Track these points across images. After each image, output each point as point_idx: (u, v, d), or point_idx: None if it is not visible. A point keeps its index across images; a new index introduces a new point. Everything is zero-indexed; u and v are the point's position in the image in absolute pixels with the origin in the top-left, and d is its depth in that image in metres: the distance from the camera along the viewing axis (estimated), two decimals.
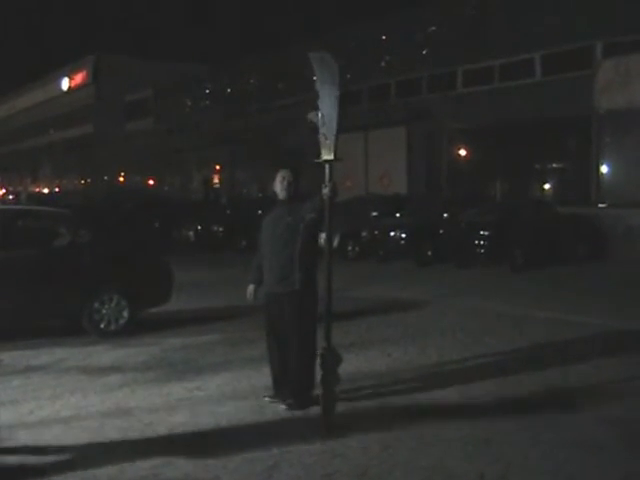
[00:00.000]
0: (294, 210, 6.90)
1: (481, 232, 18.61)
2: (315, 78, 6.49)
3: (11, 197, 64.25)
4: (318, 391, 6.49)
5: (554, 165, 31.94)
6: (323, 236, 6.68)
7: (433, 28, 36.21)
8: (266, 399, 7.09)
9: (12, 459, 5.73)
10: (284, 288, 6.87)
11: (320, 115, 6.42)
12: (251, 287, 7.28)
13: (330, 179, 6.42)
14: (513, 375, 7.95)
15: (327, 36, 42.18)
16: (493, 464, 5.46)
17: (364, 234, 21.35)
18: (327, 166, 6.43)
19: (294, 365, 6.87)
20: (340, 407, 6.55)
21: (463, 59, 33.80)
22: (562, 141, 30.19)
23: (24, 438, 6.14)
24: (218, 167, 52.53)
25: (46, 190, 74.26)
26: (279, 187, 7.05)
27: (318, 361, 6.45)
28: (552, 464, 5.48)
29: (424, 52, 36.29)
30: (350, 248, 21.45)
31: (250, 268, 7.38)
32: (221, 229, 26.36)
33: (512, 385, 7.59)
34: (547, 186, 31.77)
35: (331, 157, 6.41)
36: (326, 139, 6.43)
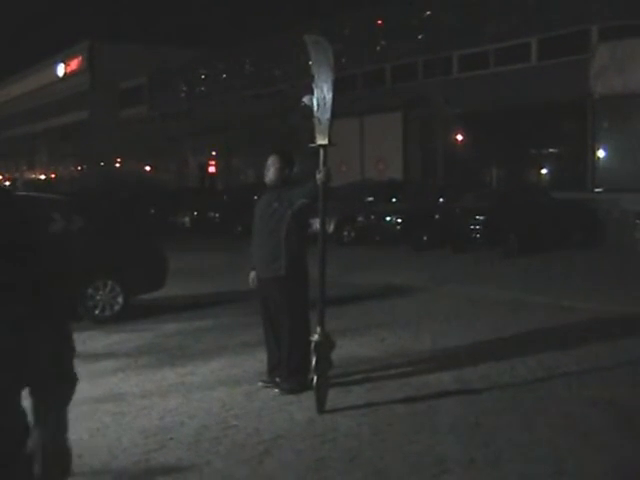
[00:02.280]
0: (282, 196, 6.89)
1: (476, 217, 18.60)
2: (310, 62, 6.46)
3: (7, 183, 64.19)
4: (311, 376, 6.50)
5: (550, 150, 31.90)
6: (317, 221, 6.68)
7: (428, 13, 36.11)
8: (260, 384, 7.11)
9: None
10: (271, 273, 6.88)
11: (315, 99, 6.40)
12: (252, 273, 7.27)
13: (324, 164, 6.41)
14: (506, 360, 7.97)
15: (323, 21, 42.04)
16: (484, 449, 5.48)
17: (360, 219, 21.37)
18: (321, 151, 6.42)
19: (286, 350, 6.89)
20: (332, 392, 6.57)
21: (459, 44, 33.70)
22: (558, 126, 30.16)
23: None
24: (214, 153, 52.42)
25: (42, 176, 74.18)
26: (267, 172, 7.04)
27: (311, 346, 6.46)
28: (543, 449, 5.49)
29: (419, 37, 36.20)
30: (346, 233, 21.49)
31: (250, 254, 7.38)
32: (217, 215, 26.36)
33: (505, 370, 7.61)
34: (543, 171, 31.76)
35: (325, 142, 6.40)
36: (320, 123, 6.41)
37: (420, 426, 5.98)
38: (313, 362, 6.41)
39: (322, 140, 6.41)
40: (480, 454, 5.38)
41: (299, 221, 6.91)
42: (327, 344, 6.45)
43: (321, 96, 6.37)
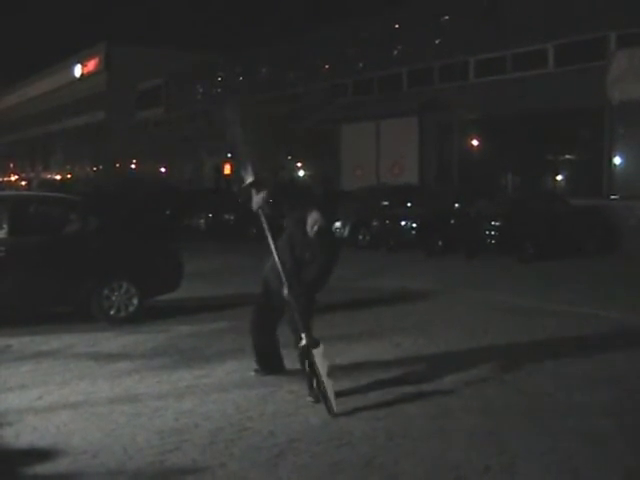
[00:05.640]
0: (313, 246, 7.00)
1: (492, 223, 18.55)
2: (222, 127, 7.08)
3: (23, 183, 64.59)
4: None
5: (566, 156, 31.82)
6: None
7: (446, 17, 36.07)
8: (252, 374, 7.53)
9: (20, 443, 5.77)
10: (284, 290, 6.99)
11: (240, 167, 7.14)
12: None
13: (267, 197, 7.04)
14: (522, 366, 7.93)
15: (340, 25, 42.10)
16: (499, 455, 5.46)
17: (375, 223, 21.35)
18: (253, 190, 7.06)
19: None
20: (347, 396, 6.58)
21: (476, 49, 33.66)
22: (575, 132, 30.07)
23: (33, 423, 6.18)
24: (230, 155, 52.49)
25: (58, 177, 74.56)
26: (310, 228, 7.01)
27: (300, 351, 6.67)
28: (558, 457, 5.47)
29: (437, 42, 36.16)
30: (361, 237, 21.47)
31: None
32: (232, 217, 26.37)
33: (519, 377, 7.58)
34: (559, 177, 31.67)
35: (252, 180, 7.08)
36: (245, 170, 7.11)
37: (435, 431, 5.97)
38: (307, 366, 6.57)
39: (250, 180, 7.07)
40: (495, 461, 5.36)
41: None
42: (312, 345, 6.58)
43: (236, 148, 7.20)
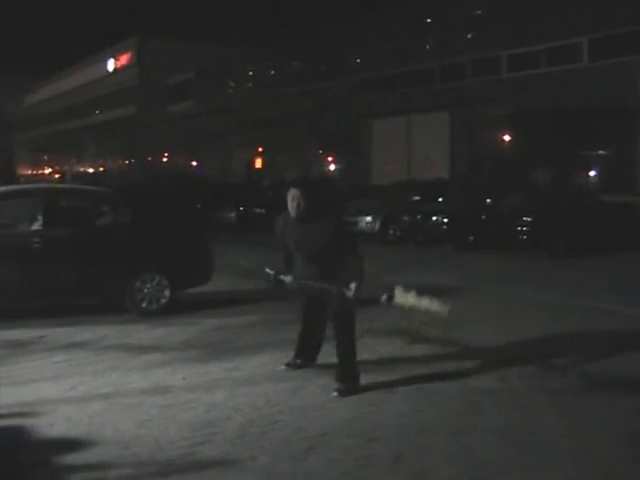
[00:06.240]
0: (313, 231, 6.87)
1: (523, 219, 18.44)
2: None
3: (57, 176, 65.23)
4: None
5: (599, 152, 31.50)
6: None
7: (478, 12, 35.84)
8: (282, 367, 7.57)
9: (54, 433, 5.85)
10: (319, 284, 6.97)
11: None
12: (289, 278, 7.33)
13: None
14: (551, 364, 7.87)
15: (372, 19, 41.97)
16: (530, 452, 5.44)
17: (405, 219, 21.28)
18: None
19: (338, 352, 6.93)
20: (377, 392, 6.62)
21: (508, 43, 33.42)
22: (608, 128, 29.74)
23: (66, 413, 6.26)
24: (260, 149, 52.65)
25: (91, 170, 75.17)
26: (289, 206, 6.96)
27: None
28: (588, 456, 5.44)
29: (469, 36, 35.95)
30: (391, 232, 21.43)
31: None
32: (263, 211, 26.43)
33: (549, 374, 7.53)
34: (592, 173, 31.38)
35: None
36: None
37: (465, 428, 5.96)
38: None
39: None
40: (526, 457, 5.34)
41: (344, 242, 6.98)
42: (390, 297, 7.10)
43: None
